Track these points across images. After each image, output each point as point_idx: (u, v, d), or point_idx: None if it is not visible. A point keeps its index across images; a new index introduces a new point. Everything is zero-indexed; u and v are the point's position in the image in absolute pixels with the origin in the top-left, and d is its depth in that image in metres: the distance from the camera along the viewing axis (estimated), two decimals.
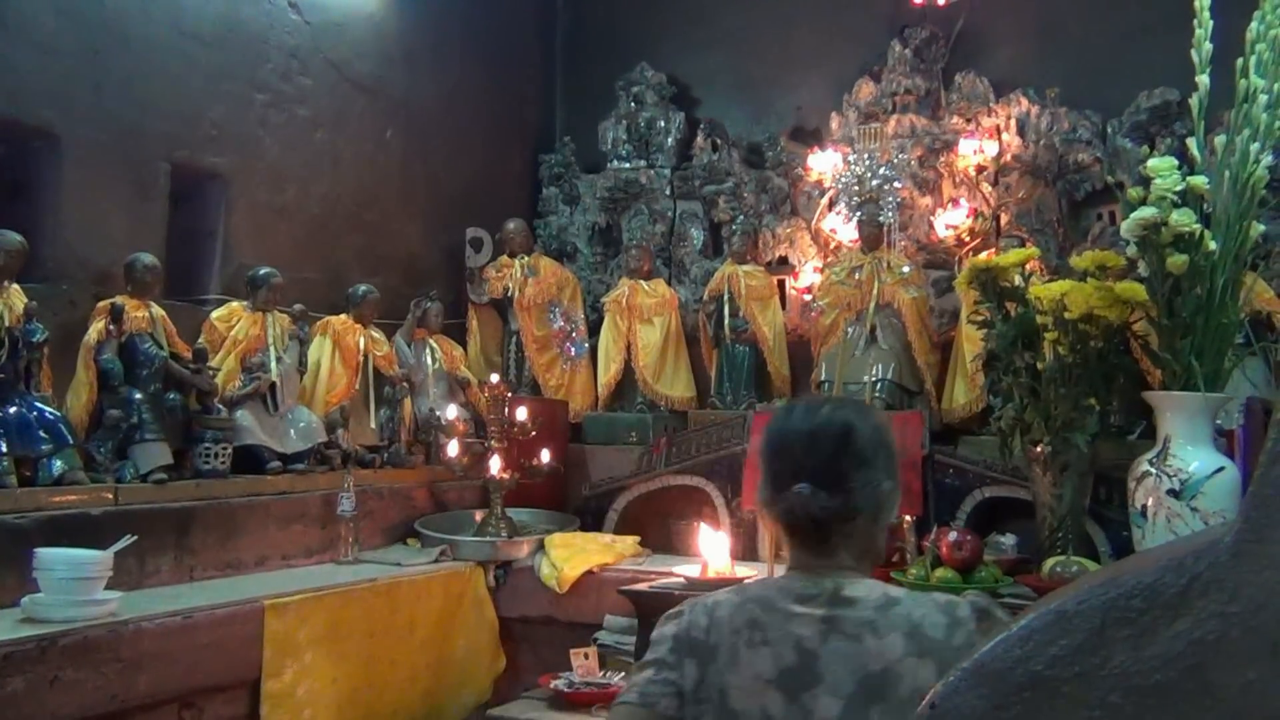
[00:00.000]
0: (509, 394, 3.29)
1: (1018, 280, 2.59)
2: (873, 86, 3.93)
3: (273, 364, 2.94)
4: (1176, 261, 2.11)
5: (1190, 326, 2.13)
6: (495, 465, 3.14)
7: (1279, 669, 0.65)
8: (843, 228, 3.81)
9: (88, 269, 2.77)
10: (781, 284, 3.93)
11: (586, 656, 2.53)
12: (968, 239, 3.66)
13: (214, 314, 2.97)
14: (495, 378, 3.28)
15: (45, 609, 1.97)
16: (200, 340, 2.87)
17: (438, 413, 3.38)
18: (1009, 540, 2.67)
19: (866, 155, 3.72)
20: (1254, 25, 2.11)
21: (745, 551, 3.01)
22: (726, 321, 3.76)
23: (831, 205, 3.87)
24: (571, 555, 2.96)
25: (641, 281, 3.94)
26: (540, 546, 3.06)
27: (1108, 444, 2.48)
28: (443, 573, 2.87)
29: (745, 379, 3.76)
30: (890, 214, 3.63)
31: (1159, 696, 0.67)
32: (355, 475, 2.96)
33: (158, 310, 2.74)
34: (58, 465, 2.32)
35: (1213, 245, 2.11)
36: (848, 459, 1.20)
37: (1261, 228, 2.23)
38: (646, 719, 1.16)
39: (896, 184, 3.66)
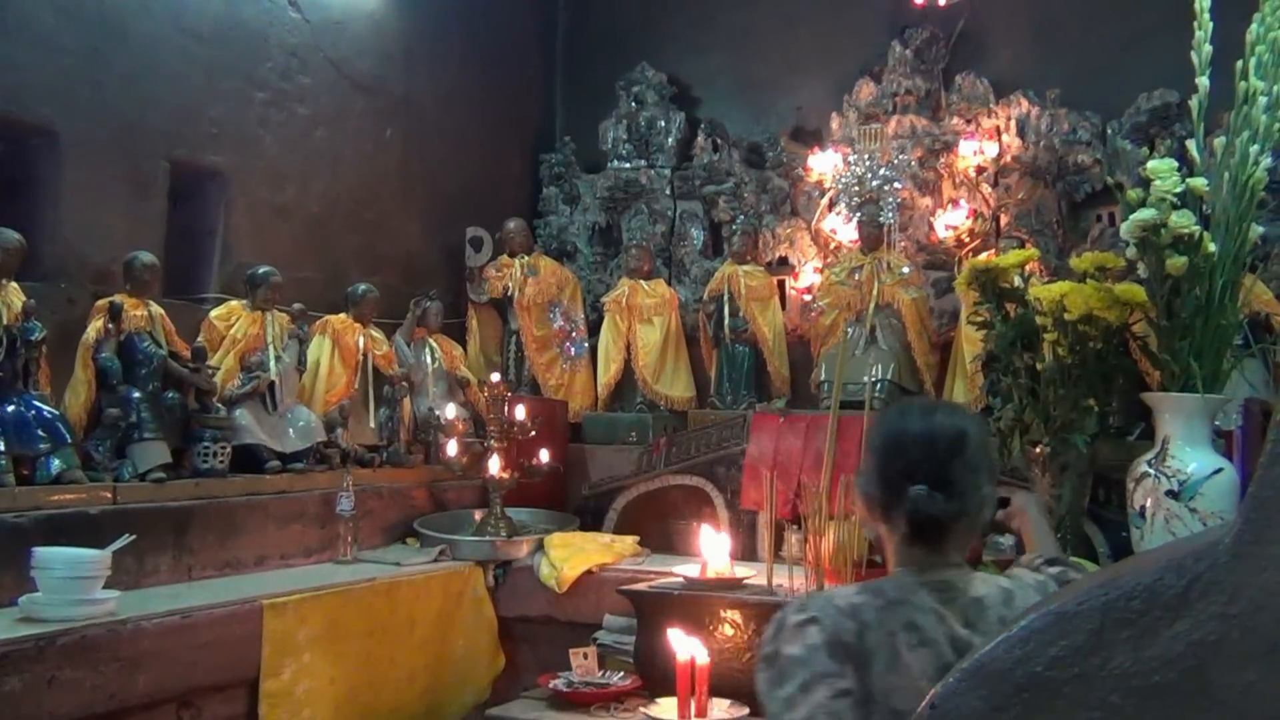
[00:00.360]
0: (508, 393, 3.29)
1: (1017, 281, 2.59)
2: (873, 87, 3.93)
3: (272, 363, 2.93)
4: (1176, 263, 2.11)
5: (1189, 328, 2.14)
6: (494, 465, 3.13)
7: (1278, 670, 0.65)
8: (843, 228, 3.81)
9: (86, 267, 2.77)
10: (781, 284, 3.93)
11: (586, 656, 2.52)
12: (967, 240, 3.66)
13: (213, 313, 2.97)
14: (495, 377, 3.28)
15: (43, 608, 1.97)
16: (199, 339, 2.87)
17: (437, 412, 3.38)
18: (1008, 541, 2.67)
19: (867, 156, 3.72)
20: (1254, 27, 2.11)
21: (745, 552, 3.01)
22: (726, 321, 3.76)
23: (832, 206, 3.87)
24: (571, 555, 2.96)
25: (641, 281, 3.94)
26: (539, 546, 3.05)
27: (1106, 445, 2.47)
28: (442, 572, 2.87)
29: (745, 379, 3.76)
30: (890, 214, 3.63)
31: (1159, 697, 0.67)
32: (354, 475, 2.95)
33: (156, 309, 2.74)
34: (56, 464, 2.32)
35: (1212, 247, 2.11)
36: (959, 463, 1.26)
37: (1260, 229, 2.23)
38: None
39: (896, 184, 3.66)
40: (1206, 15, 2.18)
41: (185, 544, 2.49)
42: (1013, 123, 3.75)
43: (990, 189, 3.73)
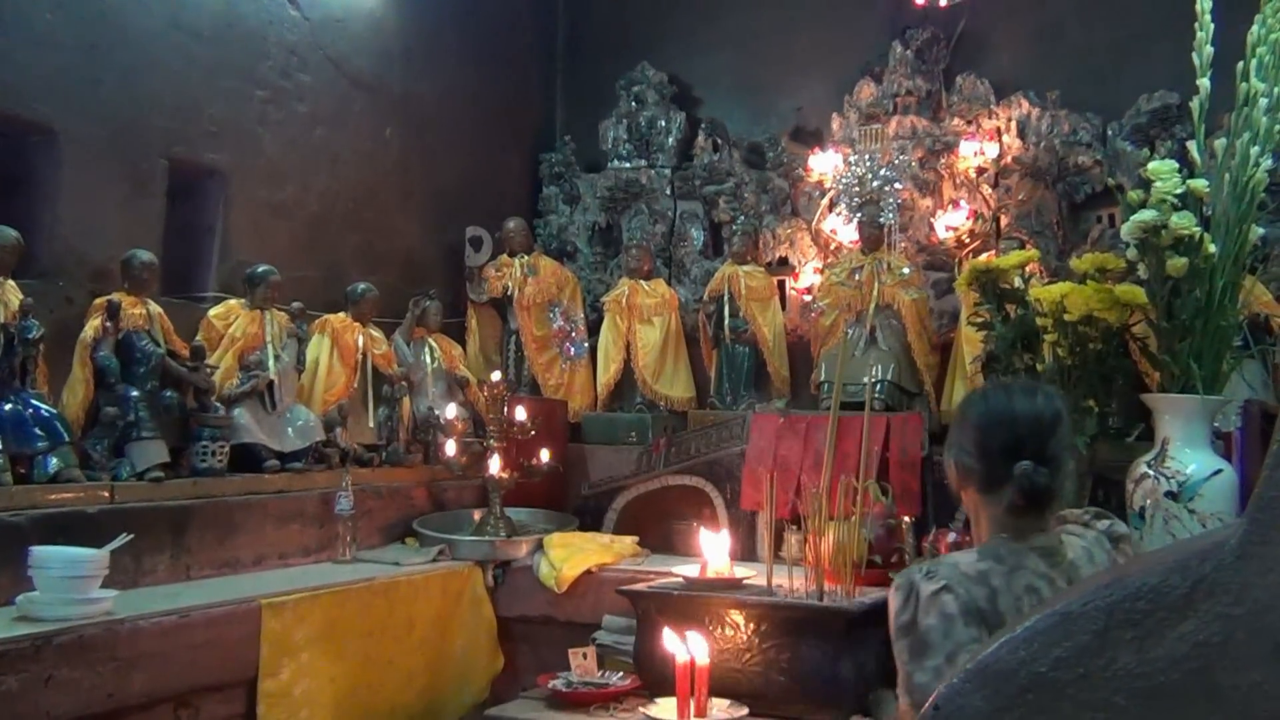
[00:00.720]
0: (508, 393, 3.28)
1: (1017, 282, 2.59)
2: (874, 88, 3.93)
3: (270, 362, 2.93)
4: (1176, 264, 2.11)
5: (1189, 329, 2.14)
6: (494, 465, 3.13)
7: None
8: (843, 229, 3.81)
9: (84, 265, 2.76)
10: (781, 284, 3.92)
11: (585, 656, 2.52)
12: (968, 241, 3.66)
13: (211, 311, 2.96)
14: (495, 377, 3.28)
15: (40, 607, 1.96)
16: (198, 338, 2.86)
17: (436, 412, 3.37)
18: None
19: (867, 156, 3.72)
20: (1254, 29, 2.11)
21: (744, 552, 3.01)
22: (726, 322, 3.76)
23: (832, 206, 3.87)
24: (570, 555, 2.96)
25: (641, 281, 3.93)
26: (539, 546, 3.05)
27: (1106, 445, 2.47)
28: (441, 572, 2.86)
29: (745, 379, 3.76)
30: (891, 215, 3.63)
31: (1163, 698, 0.67)
32: (353, 474, 2.95)
33: (155, 307, 2.73)
34: (53, 463, 2.31)
35: (1212, 248, 2.12)
36: (1056, 441, 1.39)
37: (1260, 231, 2.23)
38: None
39: (897, 185, 3.66)
40: (1208, 17, 2.18)
41: (183, 543, 2.48)
42: (1013, 124, 3.75)
43: (991, 190, 3.72)
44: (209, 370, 2.77)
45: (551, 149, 4.48)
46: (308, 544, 2.83)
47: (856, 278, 3.56)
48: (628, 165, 4.27)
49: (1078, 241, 3.57)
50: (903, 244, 3.72)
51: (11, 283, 2.41)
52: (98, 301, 2.62)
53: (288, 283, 3.13)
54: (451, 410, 3.31)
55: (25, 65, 2.63)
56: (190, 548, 2.50)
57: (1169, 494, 2.04)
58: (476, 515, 3.23)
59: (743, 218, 3.99)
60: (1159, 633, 0.68)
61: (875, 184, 3.65)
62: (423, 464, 3.37)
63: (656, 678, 2.29)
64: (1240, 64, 2.12)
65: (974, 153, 3.70)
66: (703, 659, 2.05)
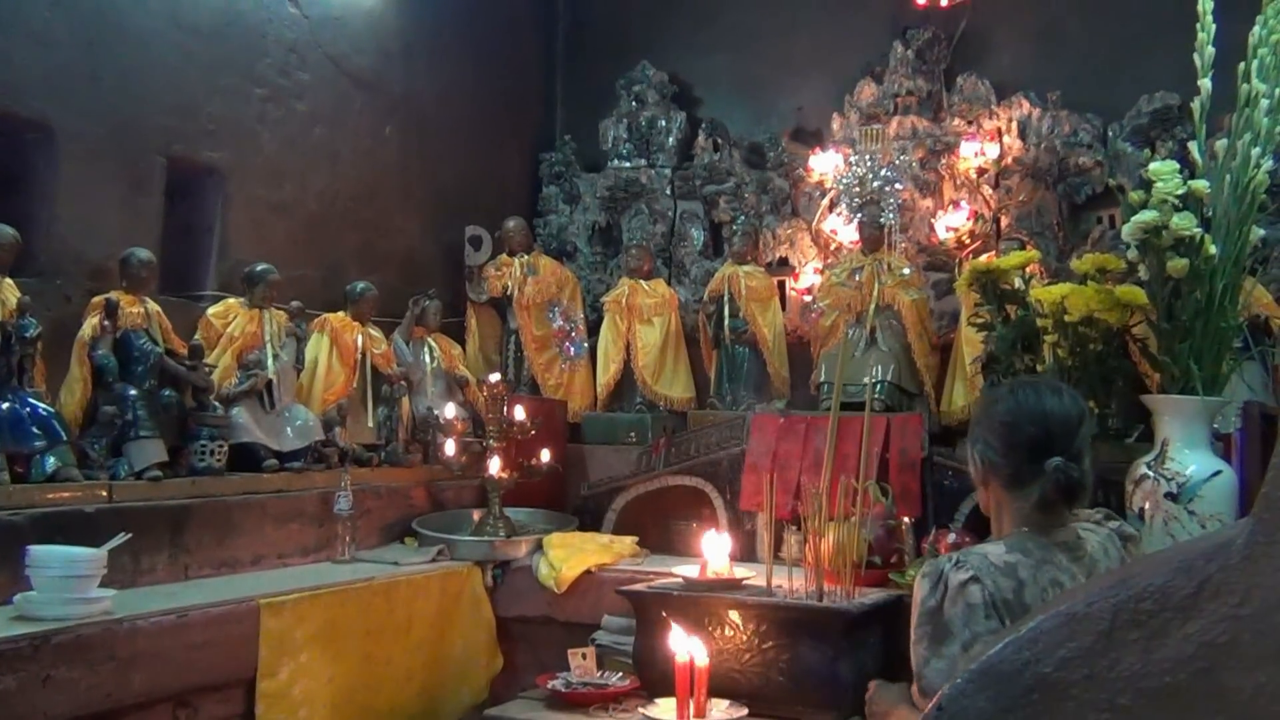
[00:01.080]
0: (508, 393, 3.28)
1: (1018, 283, 2.59)
2: (874, 88, 3.93)
3: (269, 361, 2.92)
4: (1177, 265, 2.11)
5: (1189, 330, 2.13)
6: (494, 464, 3.12)
7: None
8: (843, 229, 3.81)
9: (82, 264, 2.75)
10: (781, 285, 3.92)
11: (584, 657, 2.51)
12: (968, 241, 3.66)
13: (210, 310, 2.96)
14: (494, 377, 3.27)
15: (38, 607, 1.96)
16: (196, 337, 2.86)
17: (436, 411, 3.37)
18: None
19: (868, 156, 3.71)
20: (1256, 30, 2.11)
21: (744, 552, 3.01)
22: (726, 322, 3.76)
23: (832, 206, 3.87)
24: (569, 555, 2.95)
25: (641, 281, 3.93)
26: (538, 546, 3.04)
27: (1106, 447, 2.47)
28: (440, 572, 2.85)
29: (745, 380, 3.75)
30: (891, 215, 3.63)
31: (1169, 699, 0.67)
32: (352, 474, 2.94)
33: (153, 306, 2.73)
34: (51, 462, 2.31)
35: (1213, 249, 2.11)
36: (1081, 439, 1.43)
37: (1261, 232, 2.23)
38: None
39: (897, 185, 3.65)
40: (1210, 17, 2.18)
41: (182, 543, 2.48)
42: (1014, 124, 3.75)
43: (991, 190, 3.72)
44: (207, 369, 2.77)
45: (551, 148, 4.47)
46: (306, 544, 2.82)
47: (857, 278, 3.56)
48: (628, 165, 4.27)
49: (1078, 242, 3.57)
50: (903, 244, 3.72)
51: (9, 281, 2.41)
52: (96, 300, 2.61)
53: (287, 282, 3.12)
54: (451, 410, 3.30)
55: (23, 63, 2.62)
56: (189, 547, 2.49)
57: (1169, 495, 2.04)
58: (476, 515, 3.23)
59: (743, 218, 3.99)
60: (1165, 633, 0.67)
61: (876, 184, 3.65)
62: (422, 464, 3.36)
63: (656, 678, 2.28)
64: (1241, 65, 2.11)
65: (974, 153, 3.70)
66: (702, 659, 2.04)
